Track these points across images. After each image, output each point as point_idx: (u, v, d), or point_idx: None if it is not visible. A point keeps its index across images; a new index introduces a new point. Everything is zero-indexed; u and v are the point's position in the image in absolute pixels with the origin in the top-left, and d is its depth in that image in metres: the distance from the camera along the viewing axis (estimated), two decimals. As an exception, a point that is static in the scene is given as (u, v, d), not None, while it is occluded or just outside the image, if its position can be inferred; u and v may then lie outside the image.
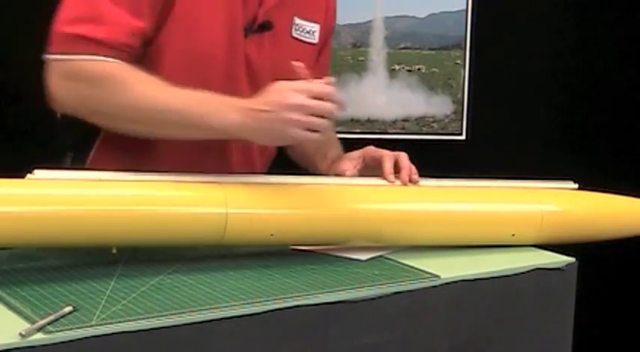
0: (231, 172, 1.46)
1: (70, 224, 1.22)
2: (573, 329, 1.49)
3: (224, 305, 1.17)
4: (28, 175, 1.25)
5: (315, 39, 1.64)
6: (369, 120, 2.73)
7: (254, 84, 1.56)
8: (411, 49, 2.77)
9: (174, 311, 1.13)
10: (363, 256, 1.42)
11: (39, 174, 1.25)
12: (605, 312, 2.85)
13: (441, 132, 2.81)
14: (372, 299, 1.26)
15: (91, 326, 1.07)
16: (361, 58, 2.70)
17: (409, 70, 2.78)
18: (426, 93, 2.79)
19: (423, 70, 2.78)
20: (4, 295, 1.17)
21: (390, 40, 2.73)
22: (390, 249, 1.46)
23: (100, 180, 1.28)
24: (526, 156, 2.72)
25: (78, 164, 1.53)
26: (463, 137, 2.82)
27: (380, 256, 1.43)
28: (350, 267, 1.37)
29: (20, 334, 1.03)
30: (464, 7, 2.75)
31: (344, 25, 2.64)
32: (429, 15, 2.76)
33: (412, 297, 1.30)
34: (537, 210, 1.52)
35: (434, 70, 2.79)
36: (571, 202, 1.56)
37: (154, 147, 1.48)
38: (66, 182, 1.26)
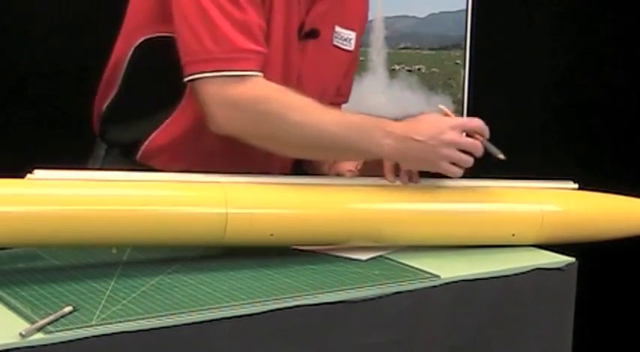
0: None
1: (69, 224, 1.22)
2: (573, 329, 1.49)
3: (224, 305, 1.17)
4: (28, 175, 1.25)
5: (351, 46, 1.66)
6: (369, 120, 2.73)
7: (298, 90, 1.57)
8: (411, 49, 2.77)
9: (174, 311, 1.13)
10: (363, 256, 1.42)
11: (39, 174, 1.25)
12: (605, 312, 2.85)
13: (441, 132, 2.81)
14: (372, 299, 1.26)
15: (91, 326, 1.07)
16: (361, 58, 2.70)
17: (409, 70, 2.78)
18: (426, 94, 2.79)
19: (423, 70, 2.78)
20: (4, 295, 1.17)
21: (390, 40, 2.73)
22: (390, 249, 1.46)
23: (100, 180, 1.28)
24: (526, 156, 2.71)
25: (127, 156, 1.56)
26: (463, 137, 2.82)
27: (380, 256, 1.43)
28: (350, 267, 1.37)
29: (20, 334, 1.03)
30: (464, 7, 2.75)
31: (344, 25, 2.64)
32: (429, 15, 2.76)
33: (412, 297, 1.30)
34: (537, 210, 1.51)
35: (434, 70, 2.79)
36: (571, 202, 1.56)
37: (205, 145, 1.51)
38: (66, 182, 1.26)
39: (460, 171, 1.41)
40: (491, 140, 1.47)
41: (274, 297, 1.21)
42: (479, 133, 1.44)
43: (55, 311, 1.10)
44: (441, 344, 1.34)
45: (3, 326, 1.07)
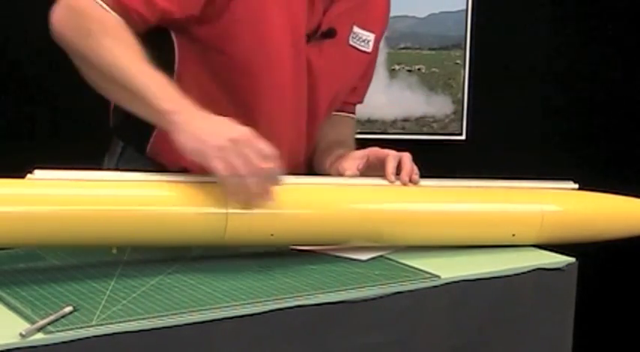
0: None
1: (69, 224, 1.22)
2: (573, 329, 1.49)
3: (224, 305, 1.17)
4: (28, 175, 1.25)
5: (369, 48, 1.66)
6: (369, 121, 2.74)
7: (312, 89, 1.58)
8: (411, 49, 2.78)
9: (174, 311, 1.13)
10: (363, 256, 1.42)
11: (39, 174, 1.25)
12: (605, 312, 2.85)
13: (441, 132, 2.81)
14: (372, 299, 1.26)
15: (91, 326, 1.07)
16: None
17: (409, 70, 2.78)
18: (426, 94, 2.79)
19: (423, 70, 2.78)
20: (4, 295, 1.17)
21: (390, 40, 2.73)
22: (390, 249, 1.46)
23: (100, 180, 1.28)
24: (526, 156, 2.72)
25: (141, 153, 1.55)
26: (463, 137, 2.82)
27: (380, 256, 1.43)
28: (350, 267, 1.37)
29: (20, 334, 1.03)
30: (464, 7, 2.75)
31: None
32: (429, 15, 2.76)
33: (412, 297, 1.30)
34: (537, 210, 1.51)
35: (434, 70, 2.79)
36: (571, 202, 1.56)
37: None
38: (66, 182, 1.26)
39: (226, 175, 1.26)
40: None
41: (274, 297, 1.21)
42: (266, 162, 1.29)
43: (55, 311, 1.10)
44: (441, 344, 1.34)
45: (3, 326, 1.07)
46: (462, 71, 2.79)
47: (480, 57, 2.78)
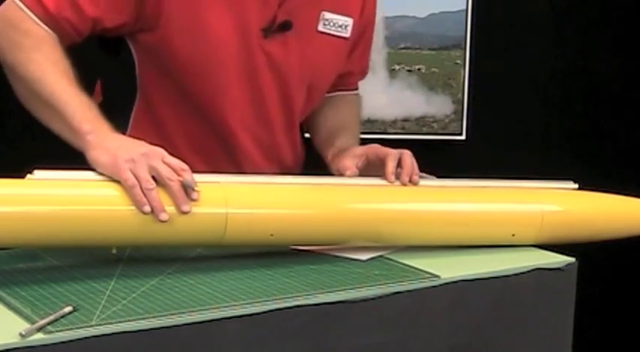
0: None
1: (70, 224, 1.22)
2: (573, 329, 1.49)
3: (224, 305, 1.17)
4: (28, 175, 1.25)
5: (347, 33, 1.66)
6: (369, 120, 2.73)
7: (281, 82, 1.59)
8: (411, 49, 2.77)
9: (174, 311, 1.13)
10: (363, 256, 1.42)
11: (39, 174, 1.25)
12: (605, 312, 2.85)
13: (441, 132, 2.81)
14: (372, 299, 1.26)
15: (91, 326, 1.07)
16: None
17: (409, 70, 2.78)
18: (426, 93, 2.79)
19: (423, 70, 2.78)
20: (4, 295, 1.17)
21: (390, 40, 2.73)
22: (390, 249, 1.46)
23: (100, 181, 1.28)
24: (526, 156, 2.72)
25: None
26: (463, 137, 2.82)
27: (380, 256, 1.43)
28: (350, 267, 1.37)
29: (20, 334, 1.03)
30: (464, 7, 2.75)
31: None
32: (429, 15, 2.76)
33: (412, 297, 1.30)
34: (537, 210, 1.51)
35: (434, 70, 2.79)
36: (571, 202, 1.56)
37: (173, 142, 1.52)
38: (66, 182, 1.26)
39: (134, 187, 1.24)
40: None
41: (274, 297, 1.21)
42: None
43: (55, 311, 1.10)
44: (440, 344, 1.34)
45: (3, 326, 1.07)
46: (462, 71, 2.78)
47: (480, 57, 2.78)
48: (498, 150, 2.75)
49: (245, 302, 1.18)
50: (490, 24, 2.77)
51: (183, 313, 1.13)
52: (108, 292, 1.19)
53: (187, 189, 1.26)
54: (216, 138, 1.59)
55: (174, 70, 1.53)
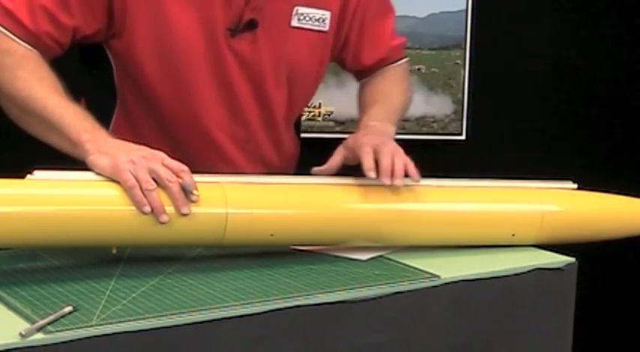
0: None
1: (70, 224, 1.22)
2: (573, 329, 1.49)
3: (224, 305, 1.17)
4: (28, 175, 1.25)
5: (325, 26, 1.65)
6: (369, 120, 2.73)
7: (253, 80, 1.58)
8: (411, 49, 2.76)
9: (174, 311, 1.13)
10: (363, 256, 1.42)
11: (39, 174, 1.26)
12: (605, 312, 2.85)
13: (441, 132, 2.81)
14: (372, 299, 1.26)
15: (91, 326, 1.07)
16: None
17: (409, 70, 2.78)
18: (426, 93, 2.79)
19: (423, 70, 2.78)
20: (4, 295, 1.17)
21: (390, 40, 2.72)
22: (390, 249, 1.46)
23: (100, 181, 1.28)
24: (526, 156, 2.72)
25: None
26: (463, 137, 2.82)
27: (380, 256, 1.43)
28: (350, 267, 1.37)
29: (20, 334, 1.03)
30: (464, 7, 2.75)
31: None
32: (429, 15, 2.76)
33: (412, 297, 1.30)
34: (537, 210, 1.51)
35: (434, 70, 2.79)
36: (571, 202, 1.56)
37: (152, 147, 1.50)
38: (66, 182, 1.26)
39: (134, 188, 1.25)
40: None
41: (274, 297, 1.21)
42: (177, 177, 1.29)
43: (55, 311, 1.10)
44: (441, 344, 1.34)
45: (3, 326, 1.07)
46: (462, 71, 2.78)
47: (479, 57, 2.77)
48: (498, 150, 2.75)
49: (245, 302, 1.18)
50: (490, 24, 2.77)
51: (183, 313, 1.13)
52: (108, 292, 1.19)
53: (186, 191, 1.26)
54: (195, 140, 1.59)
55: (144, 73, 1.53)
